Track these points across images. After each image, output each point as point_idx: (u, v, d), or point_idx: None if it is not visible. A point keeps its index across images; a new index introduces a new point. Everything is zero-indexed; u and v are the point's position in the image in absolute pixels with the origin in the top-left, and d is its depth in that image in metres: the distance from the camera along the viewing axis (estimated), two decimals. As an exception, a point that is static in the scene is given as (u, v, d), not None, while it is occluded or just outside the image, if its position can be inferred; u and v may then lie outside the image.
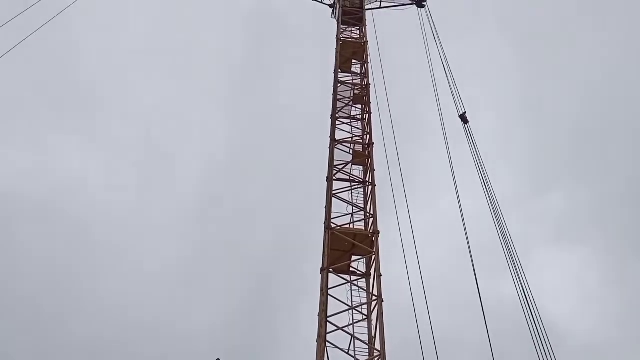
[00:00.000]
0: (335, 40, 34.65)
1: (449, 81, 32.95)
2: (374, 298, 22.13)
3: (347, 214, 24.94)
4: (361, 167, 27.46)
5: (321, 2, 42.19)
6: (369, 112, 29.60)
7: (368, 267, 24.00)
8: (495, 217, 25.41)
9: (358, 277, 23.86)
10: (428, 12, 38.70)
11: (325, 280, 22.12)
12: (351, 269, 24.08)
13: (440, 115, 31.10)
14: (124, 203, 63.63)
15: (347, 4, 39.18)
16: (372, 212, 24.95)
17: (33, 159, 64.20)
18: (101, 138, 70.21)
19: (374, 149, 27.58)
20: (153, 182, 67.74)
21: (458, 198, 26.87)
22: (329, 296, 21.66)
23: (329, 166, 26.39)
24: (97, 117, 71.09)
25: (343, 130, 28.69)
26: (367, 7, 39.20)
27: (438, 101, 31.89)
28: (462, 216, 26.04)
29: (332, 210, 24.63)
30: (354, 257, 24.20)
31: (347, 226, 24.59)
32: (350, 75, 32.66)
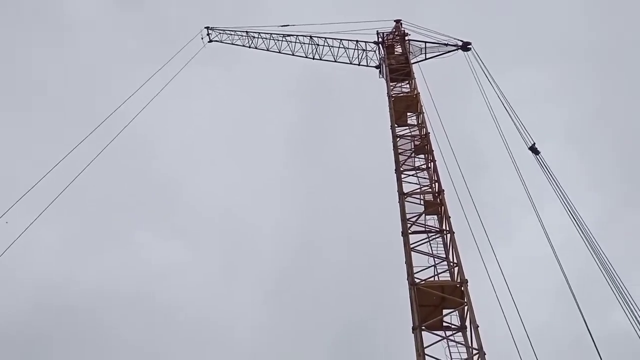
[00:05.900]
0: (387, 97, 34.68)
1: (510, 116, 32.10)
2: (474, 352, 20.55)
3: (430, 267, 23.77)
4: (435, 216, 26.44)
5: (367, 65, 42.88)
6: (433, 160, 28.88)
7: (462, 319, 22.51)
8: (589, 244, 23.63)
9: (454, 332, 22.38)
10: (475, 53, 38.45)
11: (419, 339, 20.79)
12: (445, 324, 22.66)
13: (509, 151, 30.04)
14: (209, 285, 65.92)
15: (393, 62, 39.55)
16: (455, 261, 23.68)
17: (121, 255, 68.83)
18: (182, 228, 74.40)
19: (444, 195, 26.64)
20: (234, 262, 70.51)
21: (545, 232, 25.36)
22: (426, 356, 20.29)
23: (401, 220, 25.54)
24: (177, 208, 75.37)
25: (410, 183, 27.97)
26: (413, 61, 39.39)
27: (503, 137, 30.88)
28: (554, 250, 24.42)
29: (414, 264, 23.57)
30: (445, 311, 22.83)
31: (432, 279, 23.37)
32: (407, 127, 32.31)
